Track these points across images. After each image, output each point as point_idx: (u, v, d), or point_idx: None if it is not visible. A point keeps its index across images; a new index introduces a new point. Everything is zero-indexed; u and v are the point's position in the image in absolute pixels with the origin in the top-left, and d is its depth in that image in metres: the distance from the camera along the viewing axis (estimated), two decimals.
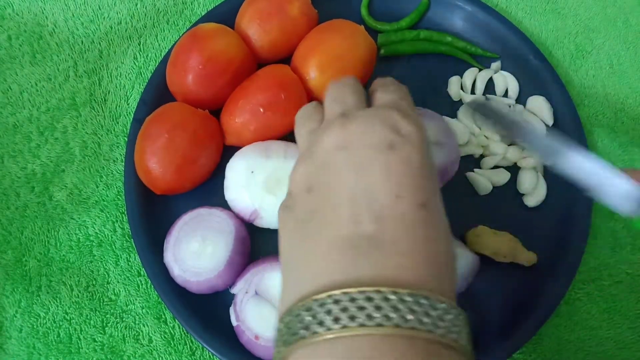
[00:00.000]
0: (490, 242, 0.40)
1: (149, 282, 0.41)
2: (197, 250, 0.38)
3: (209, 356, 0.40)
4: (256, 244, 0.41)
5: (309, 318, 0.21)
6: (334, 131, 0.26)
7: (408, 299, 0.21)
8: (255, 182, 0.39)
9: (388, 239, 0.23)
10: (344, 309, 0.21)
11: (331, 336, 0.20)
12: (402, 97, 0.29)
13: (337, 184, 0.25)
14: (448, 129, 0.40)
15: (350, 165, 0.25)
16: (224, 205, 0.40)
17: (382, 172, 0.24)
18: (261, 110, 0.40)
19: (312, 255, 0.24)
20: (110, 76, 0.47)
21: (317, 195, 0.25)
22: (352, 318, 0.20)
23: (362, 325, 0.20)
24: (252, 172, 0.39)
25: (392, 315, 0.20)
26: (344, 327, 0.20)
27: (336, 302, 0.21)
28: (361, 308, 0.20)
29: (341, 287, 0.21)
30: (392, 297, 0.21)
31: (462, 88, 0.47)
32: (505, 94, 0.47)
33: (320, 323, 0.21)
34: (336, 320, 0.21)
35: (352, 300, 0.21)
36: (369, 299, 0.21)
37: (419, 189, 0.25)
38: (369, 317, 0.20)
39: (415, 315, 0.20)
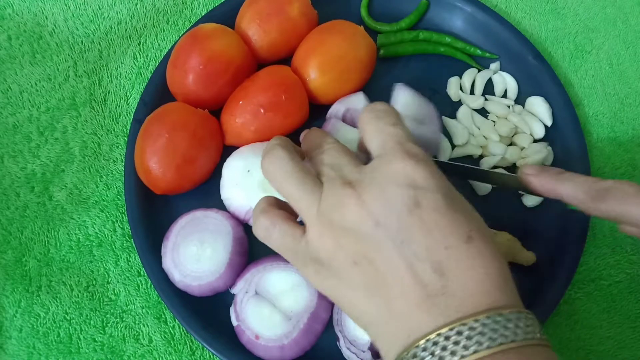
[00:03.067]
0: None
1: (149, 282, 0.41)
2: (196, 254, 0.38)
3: (209, 356, 0.40)
4: (254, 244, 0.40)
5: (428, 356, 0.24)
6: (352, 206, 0.27)
7: (487, 321, 0.24)
8: (251, 181, 0.39)
9: (456, 287, 0.25)
10: (456, 342, 0.24)
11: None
12: (395, 124, 0.30)
13: (385, 259, 0.26)
14: (425, 105, 0.42)
15: (389, 240, 0.26)
16: (223, 205, 0.40)
17: (421, 233, 0.26)
18: (262, 111, 0.40)
19: (396, 317, 0.26)
20: (110, 76, 0.47)
21: (367, 269, 0.26)
22: (466, 347, 0.23)
23: (475, 351, 0.23)
24: (249, 170, 0.39)
25: (494, 335, 0.24)
26: (463, 357, 0.23)
27: (447, 338, 0.24)
28: (457, 342, 0.24)
29: (435, 331, 0.24)
30: (488, 321, 0.24)
31: (461, 89, 0.47)
32: (505, 95, 0.48)
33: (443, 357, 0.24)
34: (453, 353, 0.23)
35: (447, 338, 0.24)
36: (460, 333, 0.24)
37: (458, 228, 0.26)
38: (479, 343, 0.23)
39: (508, 329, 0.24)
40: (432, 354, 0.24)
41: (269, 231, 0.30)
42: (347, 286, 0.27)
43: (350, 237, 0.27)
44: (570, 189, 0.33)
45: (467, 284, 0.25)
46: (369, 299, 0.27)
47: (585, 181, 0.33)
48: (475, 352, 0.23)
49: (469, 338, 0.23)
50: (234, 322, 0.37)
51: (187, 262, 0.38)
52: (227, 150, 0.42)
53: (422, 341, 0.24)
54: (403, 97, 0.42)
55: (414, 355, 0.24)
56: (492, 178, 0.39)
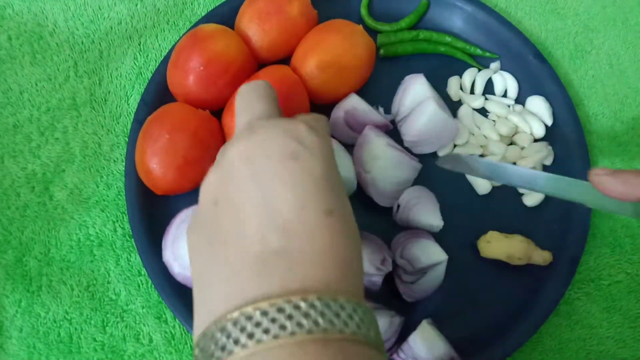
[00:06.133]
0: (503, 247, 0.40)
1: (150, 281, 0.41)
2: None
3: None
4: None
5: (224, 338, 0.21)
6: (239, 142, 0.26)
7: (317, 303, 0.22)
8: None
9: (295, 251, 0.23)
10: (257, 324, 0.21)
11: (246, 352, 0.21)
12: (317, 120, 0.30)
13: (241, 198, 0.25)
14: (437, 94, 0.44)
15: (254, 178, 0.25)
16: None
17: (284, 183, 0.25)
18: None
19: (223, 275, 0.24)
20: (111, 76, 0.47)
21: (222, 209, 0.25)
22: (266, 331, 0.21)
23: (275, 336, 0.21)
24: None
25: (304, 321, 0.21)
26: (259, 341, 0.21)
27: (249, 318, 0.21)
28: (274, 320, 0.21)
29: (253, 302, 0.22)
30: (302, 304, 0.21)
31: (461, 88, 0.47)
32: (505, 94, 0.48)
33: (236, 341, 0.21)
34: (250, 336, 0.21)
35: (265, 313, 0.21)
36: (281, 310, 0.21)
37: (323, 198, 0.25)
38: (282, 327, 0.21)
39: (325, 318, 0.21)
40: (243, 329, 0.21)
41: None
42: (200, 237, 0.26)
43: (219, 173, 0.26)
44: None
45: (307, 255, 0.23)
46: (208, 251, 0.25)
47: None
48: (292, 334, 0.21)
49: (289, 317, 0.21)
50: None
51: (187, 254, 0.38)
52: None
53: (236, 313, 0.21)
54: (422, 84, 0.43)
55: (222, 329, 0.21)
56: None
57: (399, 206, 0.40)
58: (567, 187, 0.34)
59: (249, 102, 0.30)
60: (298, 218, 0.24)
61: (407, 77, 0.44)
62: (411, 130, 0.42)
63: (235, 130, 0.29)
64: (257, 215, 0.24)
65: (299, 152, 0.26)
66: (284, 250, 0.23)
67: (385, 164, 0.40)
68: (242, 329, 0.21)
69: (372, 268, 0.37)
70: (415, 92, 0.43)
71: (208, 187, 0.27)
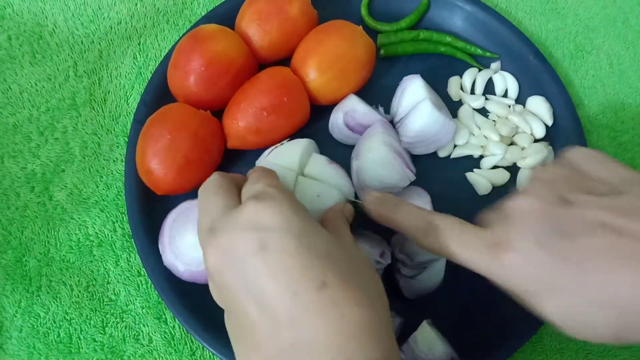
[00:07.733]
0: None
1: (149, 282, 0.41)
2: (193, 241, 0.38)
3: (209, 356, 0.40)
4: None
5: None
6: (208, 251, 0.27)
7: None
8: None
9: (307, 339, 0.24)
10: None
11: None
12: (256, 182, 0.30)
13: (240, 302, 0.25)
14: (435, 93, 0.44)
15: (240, 284, 0.25)
16: None
17: (268, 278, 0.25)
18: (265, 114, 0.40)
19: None
20: (110, 76, 0.47)
21: (230, 305, 0.27)
22: None
23: None
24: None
25: None
26: None
27: None
28: None
29: None
30: None
31: (461, 88, 0.47)
32: (505, 94, 0.48)
33: None
34: None
35: None
36: None
37: (309, 272, 0.25)
38: None
39: None
40: None
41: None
42: (222, 304, 0.28)
43: (212, 276, 0.27)
44: (404, 222, 0.32)
45: (317, 336, 0.24)
46: (235, 344, 0.27)
47: (418, 214, 0.32)
48: None
49: None
50: None
51: (187, 251, 0.38)
52: (227, 153, 0.42)
53: None
54: (418, 85, 0.42)
55: None
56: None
57: None
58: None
59: (205, 203, 0.30)
60: (296, 307, 0.24)
61: (405, 78, 0.44)
62: (408, 132, 0.42)
63: (200, 232, 0.29)
64: (261, 314, 0.25)
65: (264, 239, 0.25)
66: (297, 343, 0.24)
67: (374, 158, 0.40)
68: None
69: (371, 262, 0.37)
70: (412, 93, 0.42)
71: (210, 276, 0.28)
